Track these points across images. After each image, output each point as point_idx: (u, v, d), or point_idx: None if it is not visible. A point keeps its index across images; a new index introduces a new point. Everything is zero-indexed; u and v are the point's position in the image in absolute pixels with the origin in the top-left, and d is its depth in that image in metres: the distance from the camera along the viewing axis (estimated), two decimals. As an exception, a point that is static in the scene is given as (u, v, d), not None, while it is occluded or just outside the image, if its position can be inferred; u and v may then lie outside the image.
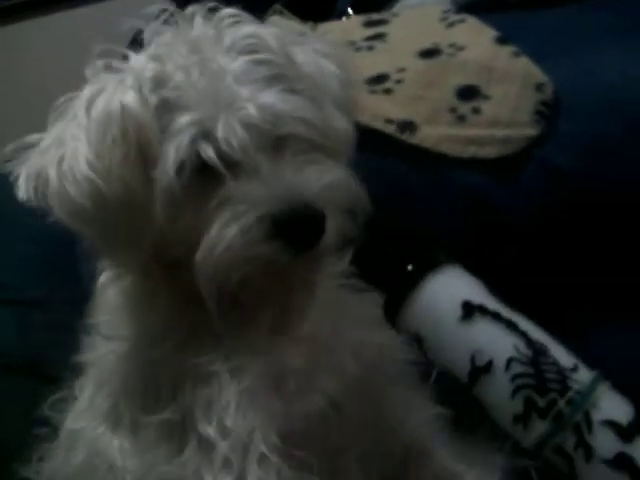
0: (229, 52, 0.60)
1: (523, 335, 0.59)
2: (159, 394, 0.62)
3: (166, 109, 0.57)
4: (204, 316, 0.60)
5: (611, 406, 0.56)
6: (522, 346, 0.59)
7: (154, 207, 0.56)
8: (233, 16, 0.62)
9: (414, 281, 0.63)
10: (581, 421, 0.55)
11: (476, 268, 0.75)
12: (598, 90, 0.82)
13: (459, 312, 0.61)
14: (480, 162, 0.79)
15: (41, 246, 0.98)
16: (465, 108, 0.80)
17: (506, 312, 0.61)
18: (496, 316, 0.60)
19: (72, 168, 0.57)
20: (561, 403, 0.56)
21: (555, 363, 0.58)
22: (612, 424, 0.55)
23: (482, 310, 0.60)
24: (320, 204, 0.55)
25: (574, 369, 0.58)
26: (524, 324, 0.60)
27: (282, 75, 0.60)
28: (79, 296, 0.75)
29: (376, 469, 0.64)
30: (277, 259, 0.56)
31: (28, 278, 0.97)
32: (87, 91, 0.59)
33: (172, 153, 0.56)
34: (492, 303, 0.61)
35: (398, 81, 0.84)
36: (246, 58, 0.60)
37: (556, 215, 0.83)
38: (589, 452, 0.55)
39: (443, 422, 0.64)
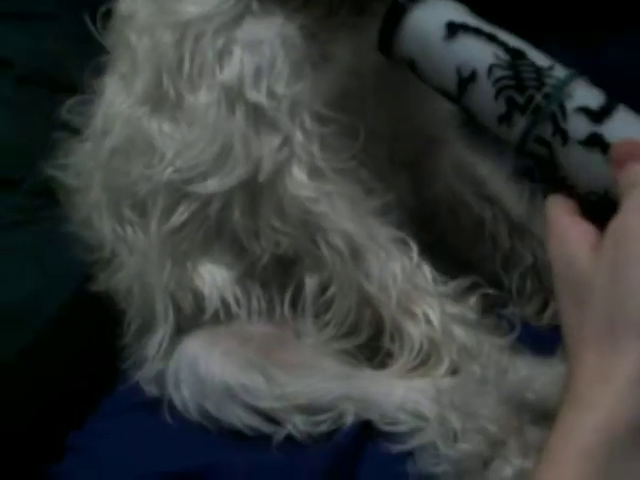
0: None
1: (502, 44, 0.65)
2: (204, 65, 0.66)
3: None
4: None
5: (584, 95, 0.62)
6: (501, 53, 0.64)
7: None
8: None
9: (402, 10, 0.68)
10: (556, 111, 0.62)
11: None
12: None
13: (444, 32, 0.66)
14: None
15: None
16: None
17: (487, 27, 0.66)
18: (477, 31, 0.66)
19: None
20: (538, 97, 0.62)
21: (532, 64, 0.64)
22: (584, 110, 0.61)
23: (464, 27, 0.66)
24: None
25: (550, 68, 0.64)
26: (504, 35, 0.66)
27: None
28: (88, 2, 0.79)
29: (400, 153, 0.72)
30: None
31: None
32: None
33: None
34: (474, 21, 0.67)
35: None
36: None
37: None
38: (565, 136, 0.62)
39: (460, 118, 0.72)
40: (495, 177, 0.75)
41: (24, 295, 0.84)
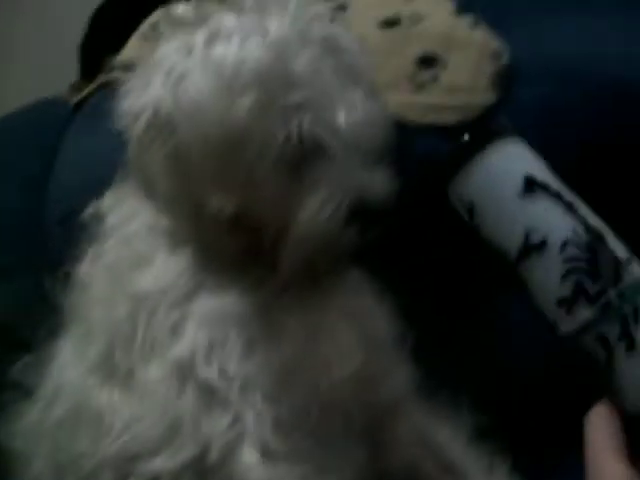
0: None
1: (582, 220, 0.58)
2: (157, 339, 0.64)
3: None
4: (222, 266, 0.66)
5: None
6: (580, 230, 0.57)
7: (260, 165, 0.62)
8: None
9: (472, 150, 0.60)
10: (629, 314, 0.55)
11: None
12: (553, 59, 0.84)
13: (520, 186, 0.59)
14: (440, 129, 0.81)
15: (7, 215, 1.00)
16: (425, 76, 0.84)
17: (568, 194, 0.59)
18: (557, 196, 0.59)
19: (198, 100, 0.61)
20: (611, 293, 0.55)
21: (611, 252, 0.57)
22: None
23: (544, 188, 0.59)
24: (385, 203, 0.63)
25: (628, 261, 0.57)
26: (584, 209, 0.59)
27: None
28: (46, 262, 0.80)
29: (356, 425, 0.68)
30: (347, 241, 0.64)
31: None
32: (205, 31, 0.64)
33: (291, 125, 0.62)
34: (555, 182, 0.60)
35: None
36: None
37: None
38: (631, 344, 0.55)
39: (416, 382, 0.70)
40: (454, 443, 0.72)
41: None
